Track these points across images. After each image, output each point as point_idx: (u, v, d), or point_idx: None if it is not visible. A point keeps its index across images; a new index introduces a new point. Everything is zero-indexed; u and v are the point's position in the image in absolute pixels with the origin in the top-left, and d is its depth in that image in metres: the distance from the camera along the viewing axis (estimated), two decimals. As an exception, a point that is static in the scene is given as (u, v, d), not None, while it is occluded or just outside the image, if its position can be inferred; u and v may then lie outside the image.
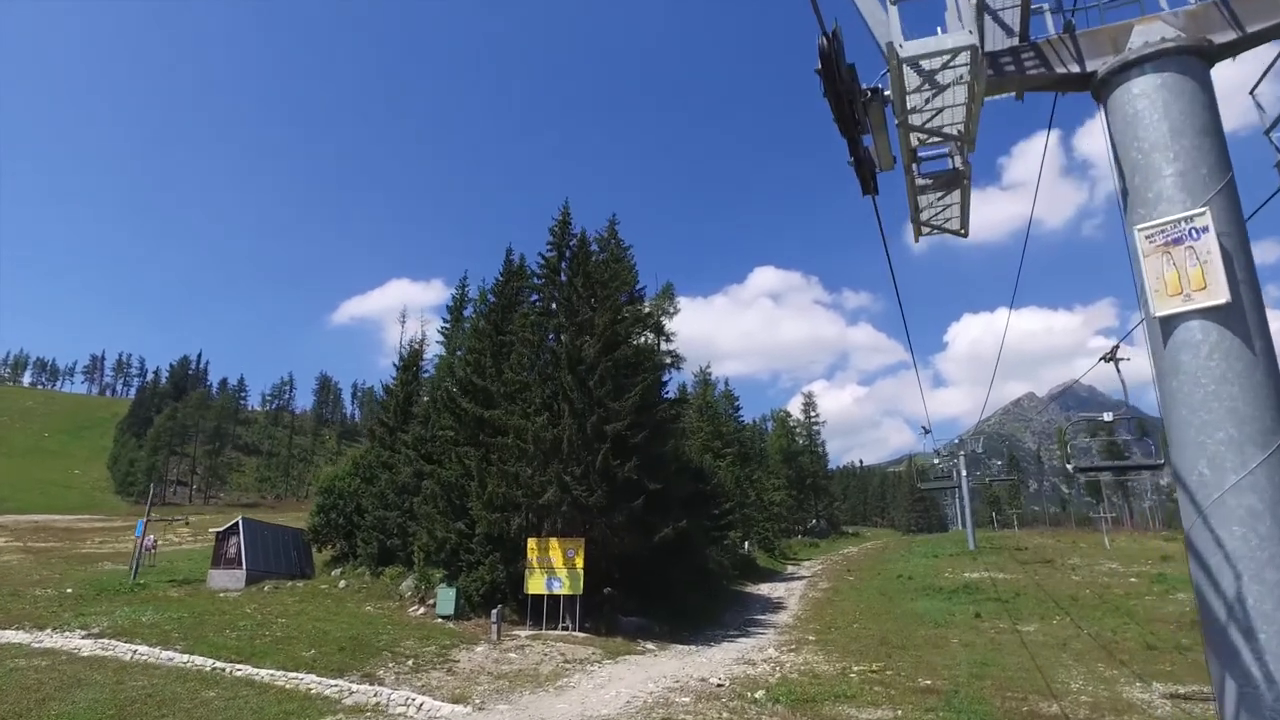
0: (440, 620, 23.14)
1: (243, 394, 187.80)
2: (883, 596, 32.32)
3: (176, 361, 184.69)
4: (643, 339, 31.34)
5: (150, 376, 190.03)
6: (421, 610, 24.22)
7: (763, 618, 27.85)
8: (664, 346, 46.86)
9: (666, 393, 33.17)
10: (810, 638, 23.42)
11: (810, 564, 54.16)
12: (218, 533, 29.39)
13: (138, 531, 33.75)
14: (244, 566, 27.94)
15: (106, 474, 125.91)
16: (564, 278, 26.57)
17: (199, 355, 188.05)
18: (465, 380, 25.78)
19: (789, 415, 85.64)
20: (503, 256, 30.06)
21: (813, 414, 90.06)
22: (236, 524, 28.93)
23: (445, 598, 23.33)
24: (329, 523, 31.63)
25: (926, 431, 67.62)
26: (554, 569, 22.19)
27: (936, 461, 61.96)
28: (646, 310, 29.62)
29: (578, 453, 22.44)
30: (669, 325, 46.17)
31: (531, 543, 22.60)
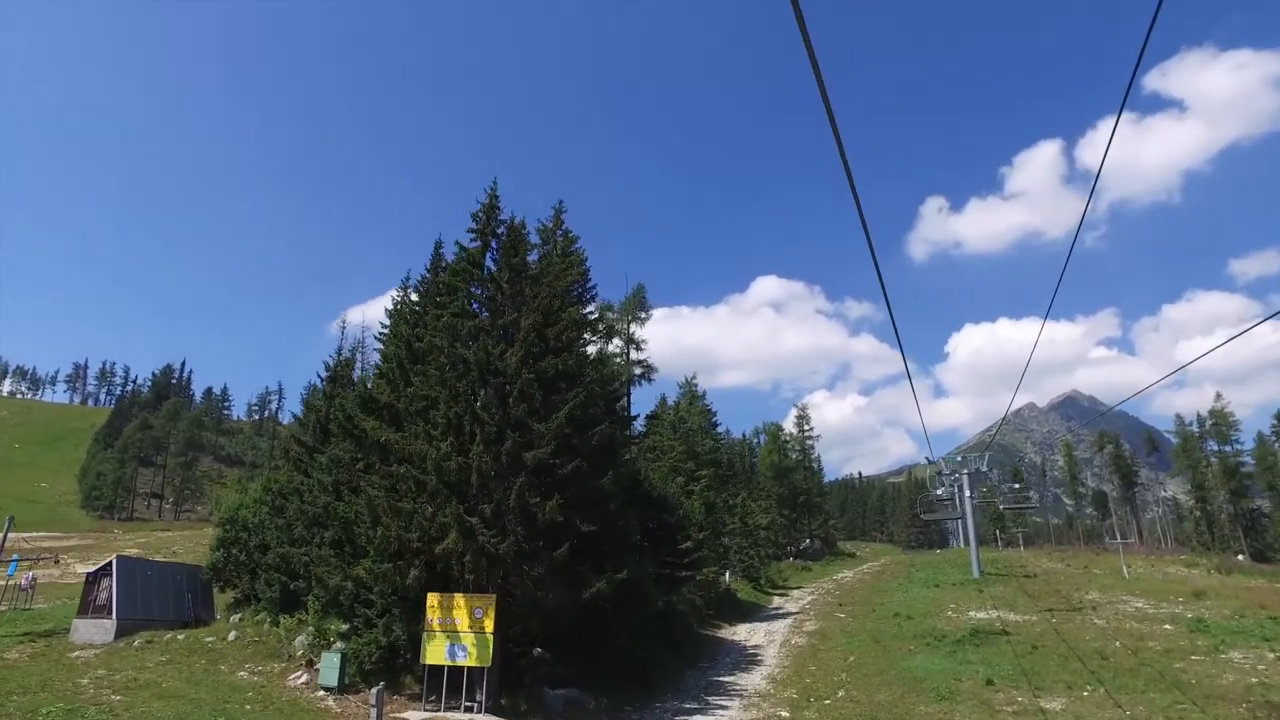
0: (322, 694, 18.63)
1: (226, 403, 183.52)
2: (876, 645, 27.76)
3: (160, 370, 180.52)
4: (595, 346, 26.93)
5: (133, 386, 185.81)
6: (305, 678, 19.69)
7: (730, 679, 23.28)
8: (635, 356, 42.60)
9: (635, 412, 28.91)
10: (784, 715, 18.90)
11: (800, 593, 49.53)
12: (88, 574, 24.88)
13: (10, 570, 29.30)
14: (114, 615, 23.42)
15: (76, 487, 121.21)
16: (490, 272, 22.23)
17: (182, 364, 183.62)
18: (366, 395, 21.38)
19: (781, 429, 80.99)
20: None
21: (806, 428, 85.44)
22: (110, 564, 24.41)
23: (329, 665, 18.82)
24: (230, 559, 27.10)
25: (929, 461, 63.20)
26: (458, 633, 17.68)
27: (940, 492, 57.18)
28: (593, 314, 25.19)
29: (489, 487, 18.00)
30: (639, 333, 41.97)
31: (432, 599, 18.11)
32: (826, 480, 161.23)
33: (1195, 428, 74.59)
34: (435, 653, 17.74)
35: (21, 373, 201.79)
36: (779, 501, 74.20)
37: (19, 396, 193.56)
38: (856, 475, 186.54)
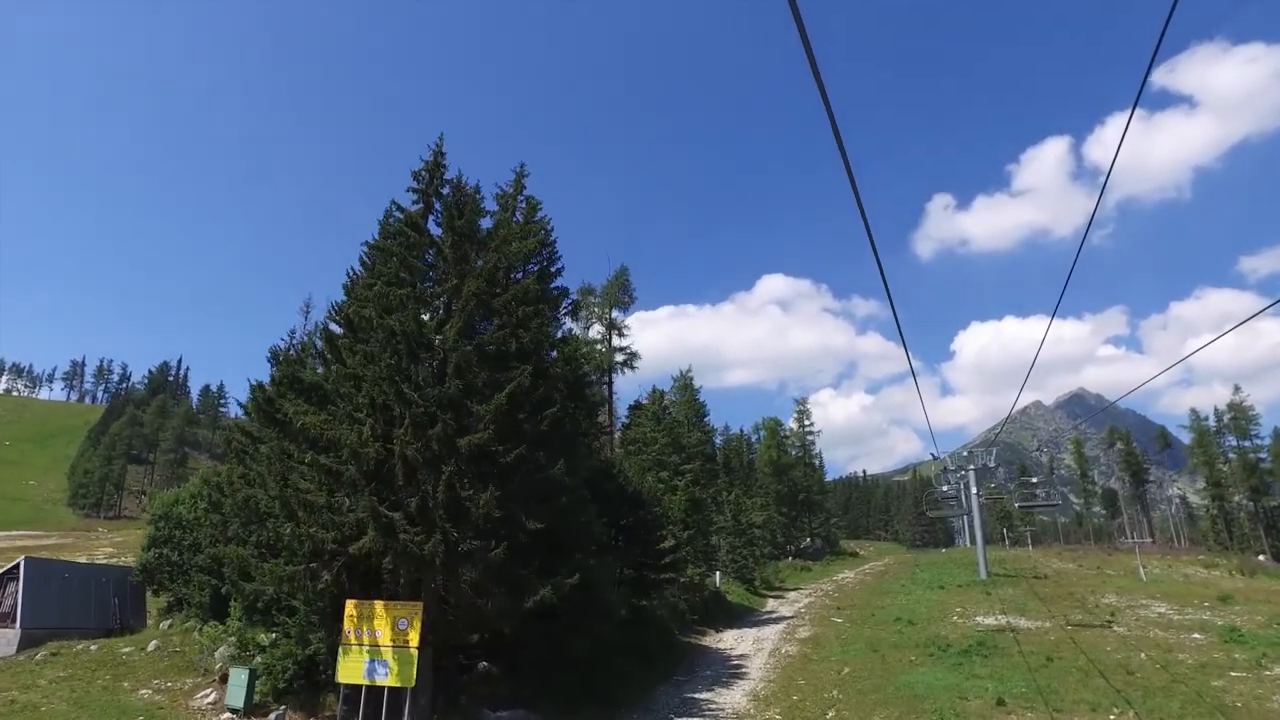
0: (227, 716, 16.14)
1: (223, 400, 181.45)
2: (875, 655, 25.14)
3: (156, 368, 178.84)
4: (570, 328, 24.34)
5: (129, 383, 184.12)
6: (213, 697, 17.22)
7: (706, 696, 20.68)
8: (617, 342, 40.03)
9: (618, 397, 26.29)
10: (761, 742, 16.33)
11: (796, 595, 46.88)
12: (-7, 577, 22.44)
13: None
14: (18, 624, 20.98)
15: (66, 485, 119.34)
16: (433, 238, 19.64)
17: (179, 361, 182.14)
18: (292, 376, 18.82)
19: (780, 424, 78.18)
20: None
21: (807, 423, 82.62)
22: (16, 566, 21.96)
23: (236, 683, 16.35)
24: (162, 560, 24.62)
25: (935, 458, 60.46)
26: (379, 647, 15.14)
27: (946, 489, 54.44)
28: (557, 289, 22.58)
29: (418, 477, 15.46)
30: (623, 318, 39.41)
31: (350, 608, 15.58)
32: (830, 478, 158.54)
33: (1212, 423, 71.65)
34: (351, 670, 15.20)
35: (18, 370, 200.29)
36: (778, 499, 71.53)
37: (15, 394, 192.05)
38: (861, 474, 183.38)
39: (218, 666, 18.76)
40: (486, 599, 15.81)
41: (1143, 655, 22.25)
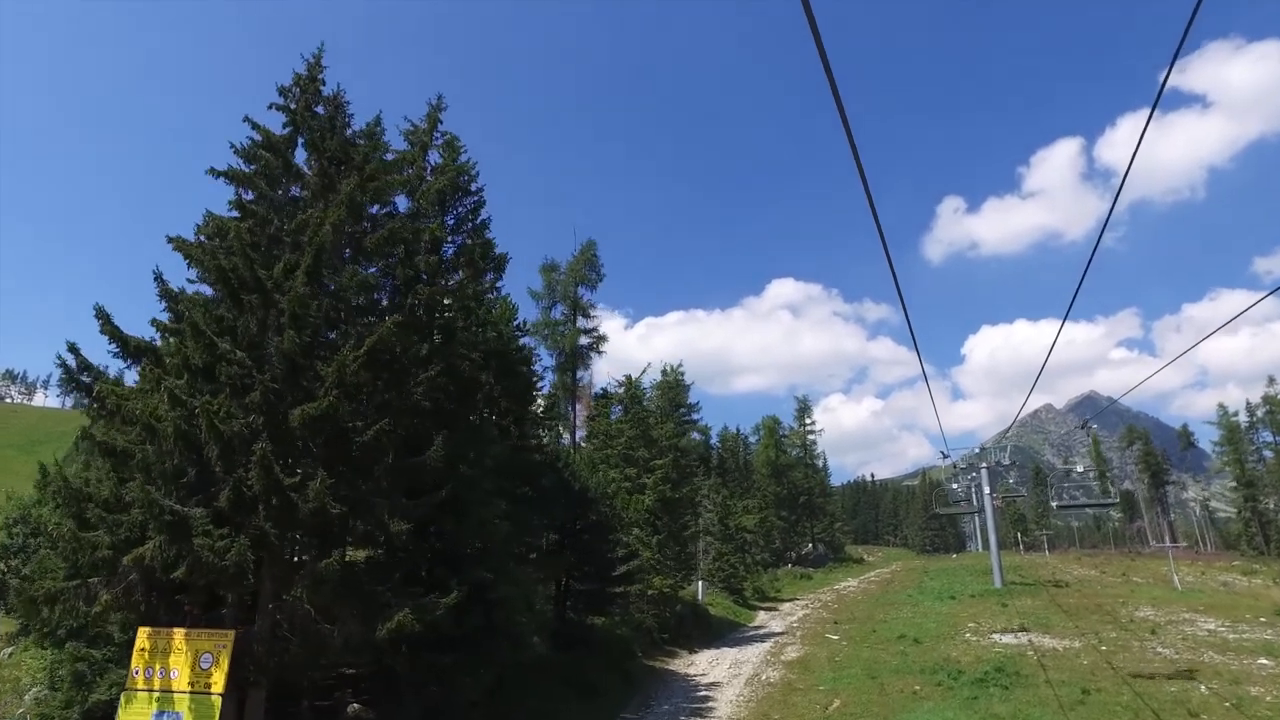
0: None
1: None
2: (872, 683, 20.93)
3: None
4: (502, 292, 20.20)
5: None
6: (-8, 753, 13.16)
7: (654, 742, 16.50)
8: (583, 324, 35.94)
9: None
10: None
11: (791, 607, 42.53)
12: None
13: None
14: None
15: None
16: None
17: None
18: (117, 335, 14.83)
19: (779, 423, 73.55)
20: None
21: (808, 421, 78.09)
22: None
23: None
24: (10, 573, 20.66)
25: (945, 456, 56.16)
26: (171, 694, 11.06)
27: (955, 485, 50.04)
28: (469, 242, 18.52)
29: (232, 458, 11.40)
30: (589, 298, 35.33)
31: (143, 638, 11.52)
32: (837, 483, 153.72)
33: (1243, 419, 66.86)
34: (136, 718, 11.12)
35: (12, 376, 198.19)
36: (777, 501, 67.12)
37: (8, 400, 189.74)
38: (869, 477, 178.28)
39: (22, 710, 14.75)
40: (335, 624, 11.73)
41: (1202, 688, 17.89)
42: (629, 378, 30.82)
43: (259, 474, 10.81)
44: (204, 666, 11.06)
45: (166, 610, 12.06)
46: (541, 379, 22.91)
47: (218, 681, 10.92)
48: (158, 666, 11.18)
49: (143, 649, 11.37)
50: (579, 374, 37.05)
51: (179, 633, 11.34)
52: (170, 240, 13.83)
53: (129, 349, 13.74)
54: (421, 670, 13.61)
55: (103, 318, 13.32)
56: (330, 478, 11.57)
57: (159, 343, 13.57)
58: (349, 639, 11.62)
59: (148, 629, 11.51)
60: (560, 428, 31.81)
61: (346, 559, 12.14)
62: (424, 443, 13.06)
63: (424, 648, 13.43)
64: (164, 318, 13.96)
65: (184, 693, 10.98)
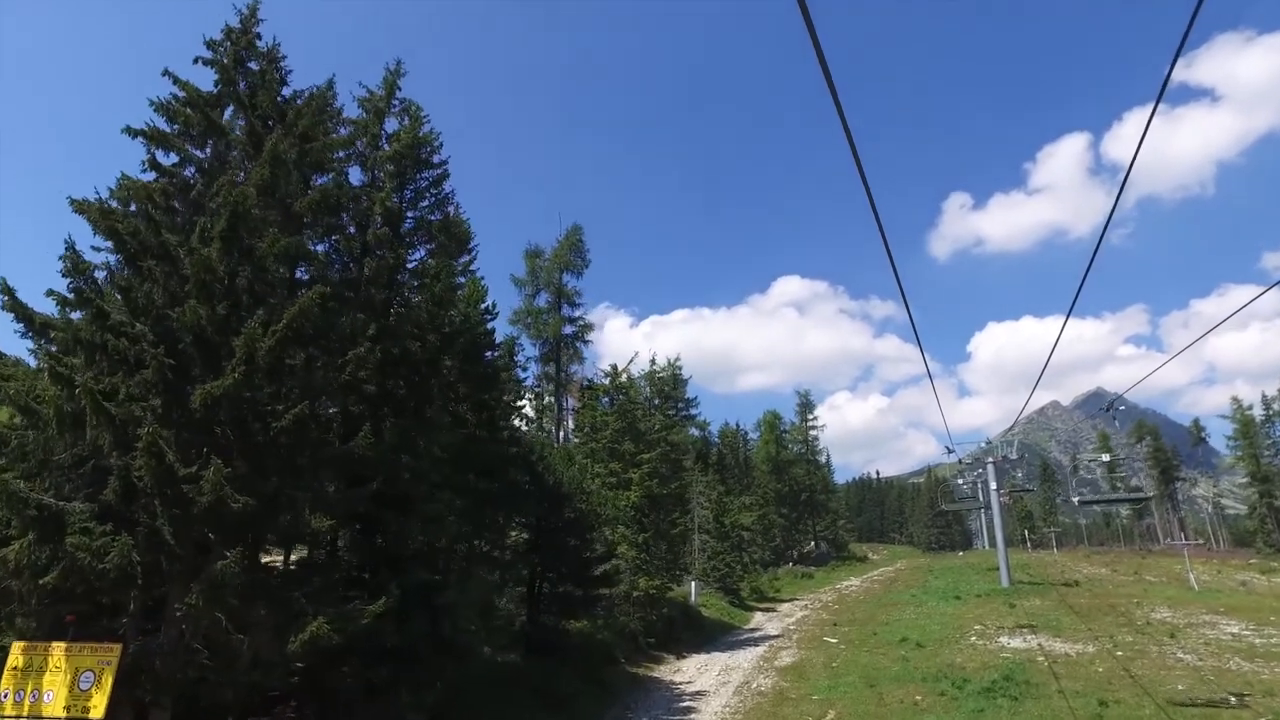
0: None
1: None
2: (870, 692, 19.36)
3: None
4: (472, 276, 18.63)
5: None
6: None
7: (625, 763, 14.94)
8: (568, 312, 34.39)
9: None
10: None
11: (790, 608, 40.93)
12: None
13: None
14: None
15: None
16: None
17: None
18: (24, 313, 13.31)
19: (779, 418, 71.79)
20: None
21: (810, 416, 76.35)
22: None
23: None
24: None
25: (950, 451, 54.66)
26: (42, 717, 9.53)
27: (961, 481, 48.36)
28: (434, 216, 16.96)
29: (128, 445, 9.88)
30: (574, 284, 33.76)
31: (16, 653, 9.99)
32: (842, 480, 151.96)
33: (1258, 412, 64.90)
34: (6, 753, 9.60)
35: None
36: (777, 498, 65.46)
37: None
38: (874, 474, 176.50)
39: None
40: (247, 635, 10.21)
41: (1232, 700, 16.25)
42: (614, 367, 29.37)
43: (145, 461, 9.29)
44: (83, 687, 9.52)
45: (55, 621, 10.55)
46: (525, 369, 21.39)
47: (98, 705, 9.38)
48: (29, 688, 9.66)
49: (15, 667, 9.82)
50: (573, 367, 35.74)
51: (58, 647, 9.80)
52: (72, 203, 12.31)
53: (34, 326, 12.23)
54: (358, 685, 12.10)
55: (6, 293, 11.80)
56: (244, 467, 10.08)
57: (58, 317, 12.08)
58: (258, 652, 10.10)
59: (22, 644, 9.97)
60: (544, 420, 30.31)
61: (260, 560, 10.61)
62: (371, 430, 11.53)
63: (365, 659, 11.95)
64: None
65: (56, 719, 9.45)
